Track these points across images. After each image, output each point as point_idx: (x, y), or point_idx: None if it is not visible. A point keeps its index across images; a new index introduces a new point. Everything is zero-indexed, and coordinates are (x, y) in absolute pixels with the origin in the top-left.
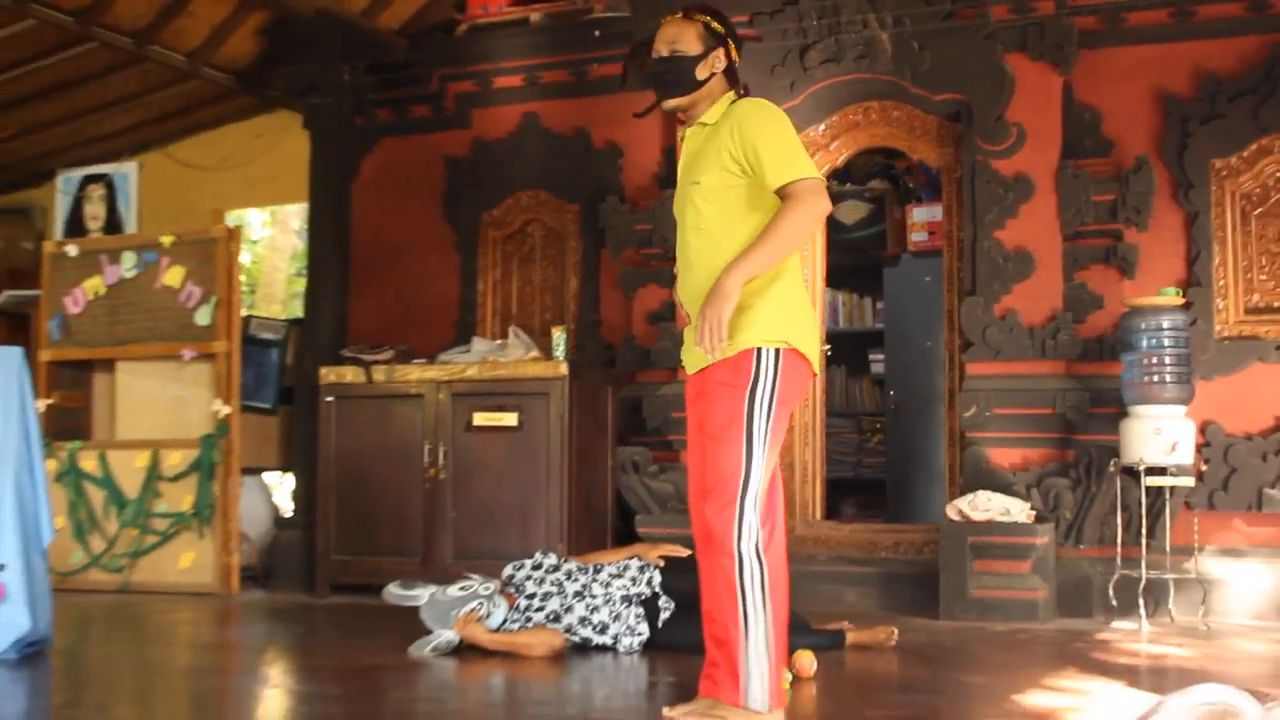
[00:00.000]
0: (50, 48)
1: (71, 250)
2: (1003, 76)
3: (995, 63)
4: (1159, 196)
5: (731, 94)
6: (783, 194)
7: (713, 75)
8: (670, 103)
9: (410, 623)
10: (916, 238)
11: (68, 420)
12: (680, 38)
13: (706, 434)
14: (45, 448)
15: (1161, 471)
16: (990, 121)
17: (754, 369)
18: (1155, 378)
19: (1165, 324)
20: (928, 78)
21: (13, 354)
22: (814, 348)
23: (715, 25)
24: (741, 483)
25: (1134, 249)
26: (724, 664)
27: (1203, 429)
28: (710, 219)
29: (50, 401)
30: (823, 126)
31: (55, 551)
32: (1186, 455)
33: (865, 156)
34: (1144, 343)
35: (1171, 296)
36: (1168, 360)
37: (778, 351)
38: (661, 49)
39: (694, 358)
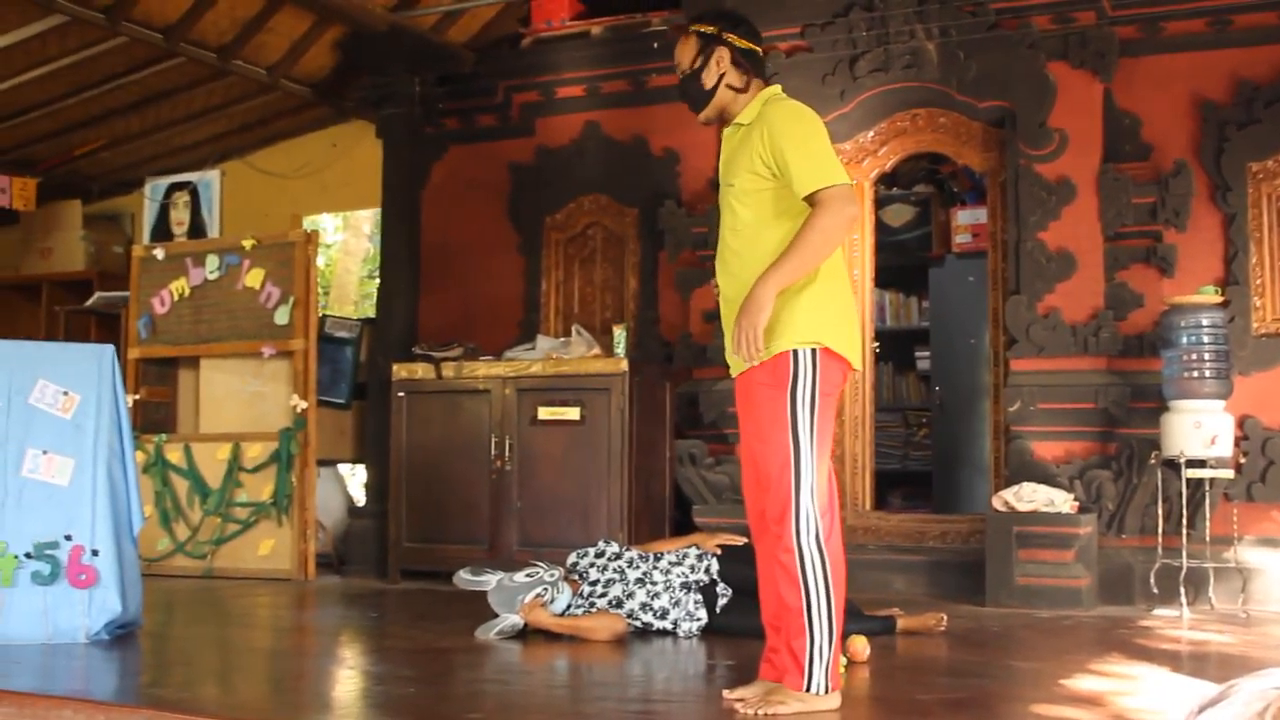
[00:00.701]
0: (140, 63)
1: (158, 254)
2: (1045, 84)
3: (1038, 71)
4: (1197, 199)
5: (770, 89)
6: (811, 201)
7: (722, 76)
8: (700, 118)
9: (478, 607)
10: (961, 239)
11: (154, 414)
12: (682, 57)
13: (755, 435)
14: (134, 440)
15: (1201, 464)
16: (1033, 127)
17: (792, 370)
18: (1195, 373)
19: (1204, 321)
20: (973, 86)
21: (104, 351)
22: (851, 346)
23: (704, 28)
24: (794, 478)
25: (1173, 249)
26: (788, 652)
27: (1241, 423)
28: (745, 222)
29: (138, 396)
30: (871, 133)
31: (143, 539)
32: (1225, 448)
33: (912, 161)
34: (1184, 339)
35: (1210, 295)
36: (1207, 356)
37: (813, 352)
38: (677, 72)
39: (735, 362)
